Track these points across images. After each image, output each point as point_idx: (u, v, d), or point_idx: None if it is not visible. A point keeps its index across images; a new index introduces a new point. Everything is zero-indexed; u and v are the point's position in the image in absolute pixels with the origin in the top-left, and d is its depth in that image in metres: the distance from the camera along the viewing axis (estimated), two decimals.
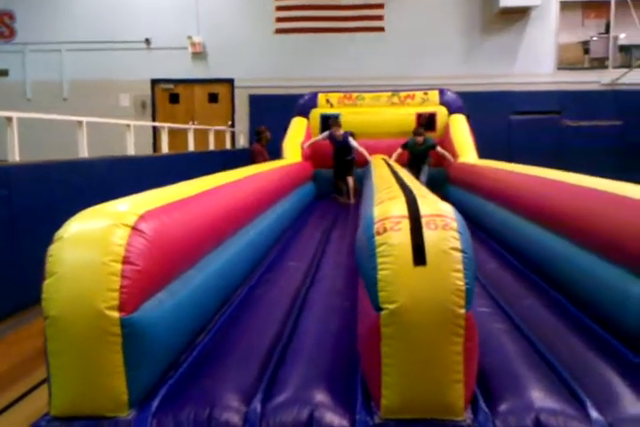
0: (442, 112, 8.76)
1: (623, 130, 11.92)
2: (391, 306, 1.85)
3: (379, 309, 1.87)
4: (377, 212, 2.03)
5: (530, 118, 12.23)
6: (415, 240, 1.87)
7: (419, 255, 1.85)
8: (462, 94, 9.90)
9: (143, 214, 2.09)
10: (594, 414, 1.94)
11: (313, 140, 8.47)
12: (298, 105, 9.21)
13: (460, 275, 1.85)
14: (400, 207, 2.01)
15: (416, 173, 7.56)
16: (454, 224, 1.93)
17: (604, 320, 2.77)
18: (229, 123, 13.33)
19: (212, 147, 10.64)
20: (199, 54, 13.14)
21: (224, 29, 12.97)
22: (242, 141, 13.15)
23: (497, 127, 12.06)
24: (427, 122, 8.75)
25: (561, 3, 12.35)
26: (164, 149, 8.37)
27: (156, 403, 1.96)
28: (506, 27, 12.45)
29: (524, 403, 2.00)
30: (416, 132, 7.96)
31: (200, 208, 2.72)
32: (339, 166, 8.24)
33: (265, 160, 8.83)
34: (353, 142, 7.97)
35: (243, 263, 3.43)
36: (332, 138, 8.13)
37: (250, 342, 2.51)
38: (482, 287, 3.45)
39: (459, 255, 1.87)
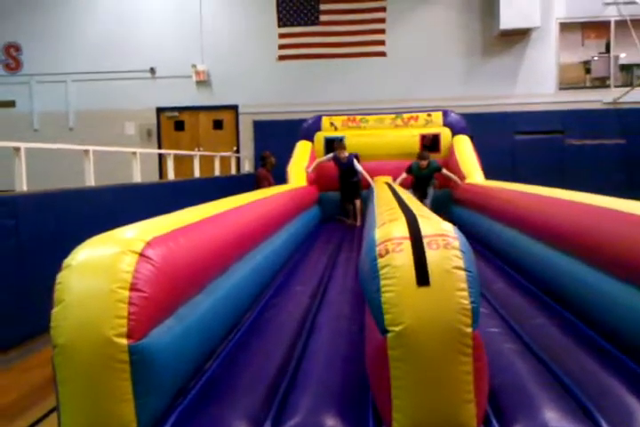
0: (445, 133, 8.80)
1: (626, 148, 11.95)
2: (397, 328, 1.84)
3: (385, 331, 1.86)
4: (378, 234, 2.04)
5: (533, 138, 12.28)
6: (418, 261, 1.87)
7: (422, 276, 1.85)
8: (465, 116, 9.95)
9: (150, 241, 2.09)
10: None
11: (317, 161, 8.48)
12: (302, 128, 9.28)
13: (465, 293, 1.85)
14: (401, 228, 2.02)
15: (421, 196, 7.56)
16: (456, 243, 1.94)
17: (616, 339, 2.74)
18: (234, 148, 13.43)
19: (217, 173, 10.71)
20: (203, 82, 13.30)
21: (228, 57, 13.14)
22: (247, 167, 13.23)
23: (501, 148, 12.10)
24: (431, 143, 8.79)
25: (560, 24, 12.48)
26: (171, 175, 8.42)
27: None
28: (506, 48, 12.57)
29: (538, 423, 1.98)
30: (420, 156, 7.90)
31: (206, 234, 2.72)
32: (345, 189, 8.26)
33: (270, 185, 8.85)
34: (357, 166, 7.97)
35: (250, 288, 3.42)
36: (336, 160, 8.15)
37: (258, 367, 2.50)
38: (490, 307, 3.45)
39: (462, 274, 1.87)
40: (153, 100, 13.35)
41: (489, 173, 8.15)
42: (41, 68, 13.22)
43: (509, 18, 11.54)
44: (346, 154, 8.04)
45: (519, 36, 12.38)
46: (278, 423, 2.02)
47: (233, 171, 12.31)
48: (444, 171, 7.95)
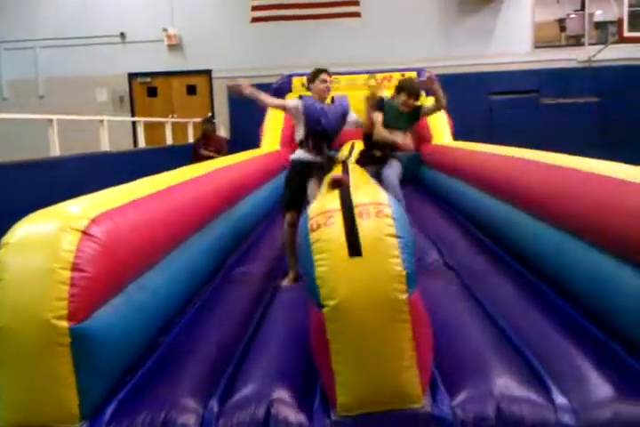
0: (420, 94, 8.68)
1: (600, 106, 11.94)
2: (332, 302, 1.83)
3: (321, 306, 1.85)
4: (311, 208, 2.02)
5: (509, 98, 12.21)
6: (349, 232, 1.85)
7: (353, 247, 1.83)
8: (441, 76, 9.86)
9: (95, 218, 2.03)
10: (559, 399, 1.92)
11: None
12: (271, 89, 9.08)
13: (398, 260, 1.84)
14: (334, 200, 1.99)
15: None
16: (388, 210, 1.92)
17: (575, 301, 2.74)
18: (209, 114, 13.26)
19: (191, 139, 10.59)
20: (175, 46, 13.02)
21: (199, 20, 12.84)
22: (222, 132, 13.09)
23: (476, 108, 12.03)
24: None
25: None
26: (141, 143, 8.31)
27: (110, 410, 1.93)
28: (482, 7, 12.38)
29: (487, 390, 1.98)
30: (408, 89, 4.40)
31: (158, 208, 2.64)
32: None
33: (204, 158, 7.51)
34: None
35: (209, 261, 3.37)
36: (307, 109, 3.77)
37: (211, 342, 2.48)
38: (450, 269, 3.46)
39: (394, 241, 1.85)
40: (124, 66, 13.07)
41: (465, 135, 8.09)
42: (8, 35, 12.84)
43: None
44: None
45: None
46: (227, 396, 2.02)
47: None
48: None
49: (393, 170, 4.15)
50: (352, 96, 8.34)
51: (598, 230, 2.55)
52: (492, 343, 2.36)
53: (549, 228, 3.13)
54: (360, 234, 1.85)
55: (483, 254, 3.83)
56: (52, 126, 5.73)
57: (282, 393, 2.02)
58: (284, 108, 3.90)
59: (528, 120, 11.99)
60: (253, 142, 8.89)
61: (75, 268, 1.86)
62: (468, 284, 3.20)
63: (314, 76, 3.76)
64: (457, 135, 8.09)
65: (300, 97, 3.77)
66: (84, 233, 1.94)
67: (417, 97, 4.46)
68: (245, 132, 10.09)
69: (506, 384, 2.01)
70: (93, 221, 2.02)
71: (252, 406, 1.96)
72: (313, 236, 1.90)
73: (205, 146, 8.41)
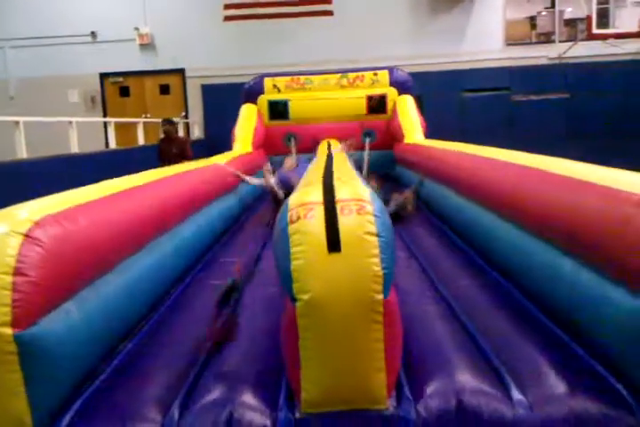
0: (392, 93, 8.71)
1: (570, 101, 12.11)
2: (305, 296, 1.80)
3: (294, 300, 1.83)
4: (292, 199, 1.97)
5: (481, 95, 12.34)
6: (329, 226, 1.81)
7: (333, 242, 1.80)
8: (414, 74, 9.90)
9: (39, 220, 1.96)
10: (516, 394, 1.95)
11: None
12: (244, 91, 9.07)
13: (377, 260, 1.81)
14: (316, 193, 1.95)
15: None
16: (370, 208, 1.88)
17: (537, 300, 2.76)
18: (183, 114, 13.20)
19: None
20: (147, 45, 12.96)
21: (171, 19, 12.79)
22: (196, 132, 13.05)
23: (449, 106, 12.15)
24: (377, 104, 8.73)
25: None
26: (112, 144, 8.26)
27: (65, 421, 1.89)
28: (453, 5, 12.49)
29: (448, 386, 1.99)
30: None
31: (113, 210, 2.58)
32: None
33: (171, 162, 6.94)
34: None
35: (175, 264, 3.32)
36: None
37: (175, 346, 2.43)
38: (420, 268, 3.47)
39: (375, 240, 1.82)
40: (96, 66, 12.99)
41: (438, 132, 8.16)
42: None
43: None
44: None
45: None
46: (188, 403, 1.99)
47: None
48: None
49: None
50: (326, 97, 8.54)
51: (551, 229, 2.59)
52: (456, 341, 2.38)
53: (510, 225, 3.16)
54: (340, 230, 1.81)
55: (451, 253, 3.87)
56: (19, 128, 5.68)
57: (245, 395, 1.99)
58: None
59: (500, 117, 12.13)
60: (228, 142, 8.87)
61: (17, 272, 1.80)
62: (434, 280, 3.23)
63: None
64: (430, 133, 8.15)
65: None
66: (27, 236, 1.88)
67: None
68: (220, 133, 10.05)
69: (467, 380, 2.03)
70: (37, 224, 1.95)
71: (214, 411, 1.93)
72: (292, 227, 1.85)
73: (169, 147, 8.22)
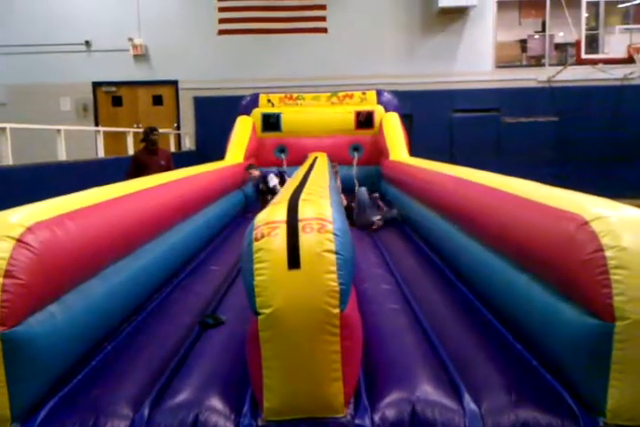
0: (379, 111, 8.88)
1: (559, 125, 12.27)
2: (267, 310, 1.90)
3: (257, 313, 1.93)
4: (258, 217, 2.08)
5: (470, 116, 12.48)
6: (290, 244, 1.91)
7: (293, 259, 1.90)
8: (404, 93, 10.05)
9: (31, 226, 2.07)
10: (469, 405, 2.05)
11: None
12: (240, 106, 9.25)
13: (334, 276, 1.91)
14: (281, 212, 2.05)
15: None
16: (330, 227, 1.97)
17: (497, 312, 2.88)
18: (175, 125, 13.25)
19: None
20: (141, 56, 13.04)
21: (166, 31, 12.89)
22: (188, 144, 13.09)
23: (439, 125, 12.29)
24: (365, 119, 8.88)
25: (498, 2, 12.64)
26: (100, 153, 8.27)
27: (42, 415, 1.98)
28: (445, 26, 12.68)
29: (404, 396, 2.08)
30: None
31: (103, 217, 2.69)
32: None
33: (155, 171, 6.18)
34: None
35: (160, 270, 3.41)
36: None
37: (151, 350, 2.53)
38: (395, 284, 3.57)
39: (333, 257, 1.92)
40: (89, 75, 13.03)
41: (426, 151, 8.29)
42: None
43: None
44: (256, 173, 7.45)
45: (458, 14, 12.50)
46: (159, 403, 2.08)
47: (172, 148, 12.15)
48: None
49: None
50: (316, 112, 8.67)
51: (506, 246, 2.75)
52: (419, 353, 2.48)
53: (474, 241, 3.31)
54: (300, 247, 1.91)
55: (425, 267, 4.01)
56: (5, 135, 5.69)
57: (213, 400, 2.08)
58: None
59: (488, 138, 12.27)
60: (219, 154, 8.92)
61: (8, 275, 1.90)
62: (406, 294, 3.33)
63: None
64: (419, 151, 8.24)
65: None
66: (19, 241, 1.98)
67: None
68: (211, 144, 10.11)
69: (424, 391, 2.12)
70: (29, 229, 2.05)
71: (182, 412, 2.03)
72: (256, 245, 1.95)
73: (154, 159, 7.38)
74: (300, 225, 1.97)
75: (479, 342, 2.61)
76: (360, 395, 2.11)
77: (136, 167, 7.06)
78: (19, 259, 1.94)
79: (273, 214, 2.06)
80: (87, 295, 2.40)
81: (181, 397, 2.10)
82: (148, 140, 7.40)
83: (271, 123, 8.80)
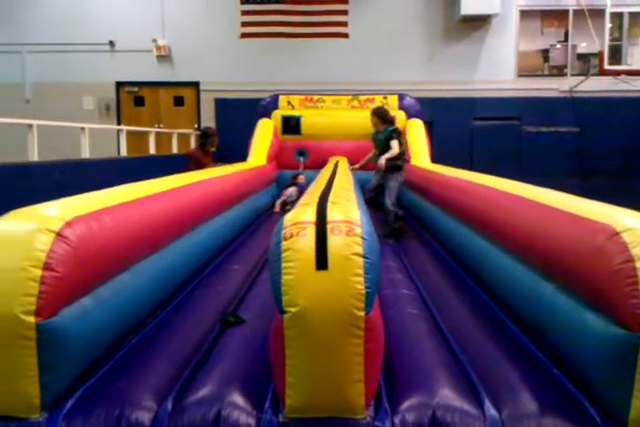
0: (400, 116, 8.86)
1: (580, 136, 12.20)
2: (293, 309, 1.92)
3: (282, 311, 1.95)
4: (287, 217, 2.10)
5: (491, 124, 12.44)
6: (319, 245, 1.94)
7: (321, 260, 1.92)
8: (424, 100, 10.03)
9: (70, 220, 2.11)
10: (490, 410, 2.05)
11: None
12: (260, 107, 9.29)
13: (361, 279, 1.93)
14: (310, 213, 2.08)
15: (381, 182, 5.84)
16: (358, 230, 2.00)
17: (520, 320, 2.88)
18: (195, 126, 13.33)
19: (175, 150, 10.64)
20: (164, 57, 13.12)
21: (189, 33, 12.97)
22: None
23: (459, 132, 12.25)
24: None
25: (521, 11, 12.59)
26: (123, 152, 8.35)
27: (69, 404, 2.02)
28: (467, 34, 12.65)
29: (425, 401, 2.10)
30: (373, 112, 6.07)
31: (136, 213, 2.74)
32: None
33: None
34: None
35: (184, 267, 3.46)
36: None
37: (174, 345, 2.57)
38: (415, 289, 3.58)
39: (360, 260, 1.94)
40: (112, 75, 13.12)
41: (446, 158, 8.25)
42: None
43: (470, 4, 11.62)
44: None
45: (480, 23, 12.47)
46: (182, 397, 2.11)
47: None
48: (392, 142, 5.80)
49: (391, 182, 5.63)
50: (337, 115, 8.68)
51: (533, 254, 2.74)
52: (440, 358, 2.49)
53: (498, 249, 3.30)
54: (329, 249, 1.93)
55: (448, 277, 3.99)
56: (32, 131, 5.76)
57: (234, 396, 2.11)
58: None
59: (508, 146, 12.22)
60: (238, 155, 8.98)
61: (46, 267, 1.94)
62: (427, 301, 3.34)
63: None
64: (439, 158, 8.23)
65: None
66: (58, 235, 2.03)
67: (385, 121, 5.96)
68: (231, 146, 10.15)
69: (444, 396, 2.13)
70: (68, 223, 2.10)
71: (204, 407, 2.06)
72: (284, 244, 1.97)
73: (208, 158, 7.40)
74: (329, 227, 1.99)
75: (499, 349, 2.61)
76: (380, 398, 2.12)
77: (196, 165, 7.01)
78: (57, 252, 1.99)
79: (302, 215, 2.08)
80: (117, 289, 2.45)
81: (204, 392, 2.13)
82: (211, 142, 7.36)
83: (291, 126, 8.84)
